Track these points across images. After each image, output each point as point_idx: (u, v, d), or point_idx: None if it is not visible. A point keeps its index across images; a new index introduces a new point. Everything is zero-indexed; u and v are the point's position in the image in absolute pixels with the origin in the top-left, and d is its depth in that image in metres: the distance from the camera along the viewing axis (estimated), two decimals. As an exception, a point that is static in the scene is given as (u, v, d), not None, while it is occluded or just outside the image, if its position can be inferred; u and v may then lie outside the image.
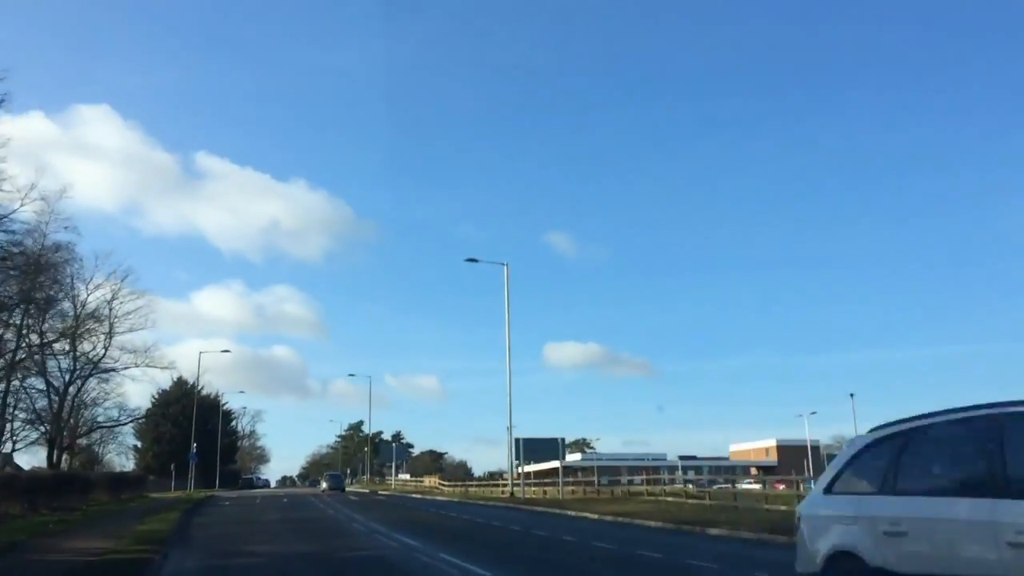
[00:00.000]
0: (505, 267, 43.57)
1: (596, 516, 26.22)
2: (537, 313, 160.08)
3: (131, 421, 55.20)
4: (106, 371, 45.65)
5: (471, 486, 69.98)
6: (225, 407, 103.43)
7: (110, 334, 44.11)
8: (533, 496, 45.86)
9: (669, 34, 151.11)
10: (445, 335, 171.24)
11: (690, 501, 31.31)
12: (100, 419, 56.73)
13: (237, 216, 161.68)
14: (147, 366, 46.14)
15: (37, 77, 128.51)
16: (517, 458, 41.56)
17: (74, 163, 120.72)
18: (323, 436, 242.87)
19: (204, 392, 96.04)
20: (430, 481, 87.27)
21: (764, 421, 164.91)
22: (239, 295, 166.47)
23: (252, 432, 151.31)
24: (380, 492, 66.62)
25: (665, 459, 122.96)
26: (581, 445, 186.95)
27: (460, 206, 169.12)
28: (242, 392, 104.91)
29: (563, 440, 41.96)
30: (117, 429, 67.79)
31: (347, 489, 74.05)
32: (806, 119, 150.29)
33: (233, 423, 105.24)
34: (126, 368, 45.65)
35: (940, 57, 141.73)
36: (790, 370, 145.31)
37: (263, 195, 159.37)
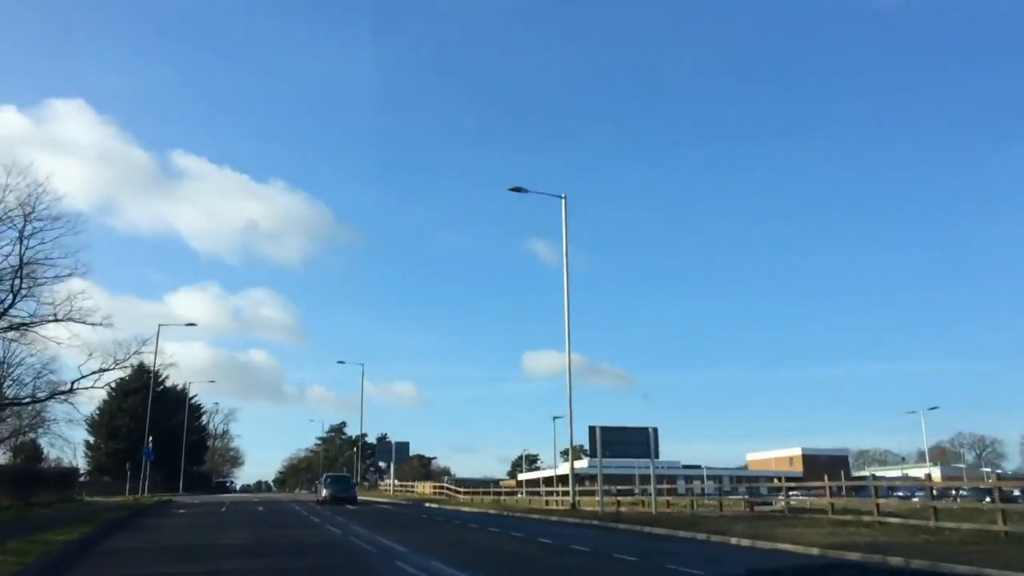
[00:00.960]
0: (563, 199, 36.39)
1: (817, 550, 14.65)
2: (517, 322, 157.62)
3: (50, 397, 42.67)
4: (15, 327, 33.21)
5: (499, 493, 58.29)
6: (193, 400, 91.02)
7: (19, 271, 31.53)
8: (595, 508, 34.01)
9: (653, 45, 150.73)
10: (423, 342, 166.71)
11: (893, 520, 20.43)
12: (23, 396, 44.07)
13: (214, 217, 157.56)
14: (70, 320, 33.86)
15: (8, 70, 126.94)
16: (593, 454, 29.97)
17: (47, 159, 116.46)
18: (300, 441, 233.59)
19: (169, 383, 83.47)
20: (424, 488, 75.58)
21: (749, 432, 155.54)
22: (215, 297, 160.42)
23: (225, 432, 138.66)
24: (382, 500, 54.65)
25: (679, 467, 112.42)
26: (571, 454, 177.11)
27: (440, 212, 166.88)
28: (212, 382, 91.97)
29: (655, 431, 30.33)
30: (59, 420, 55.12)
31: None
32: (789, 133, 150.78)
33: (202, 419, 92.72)
34: (41, 322, 33.31)
35: (913, 80, 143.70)
36: (761, 383, 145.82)
37: (241, 195, 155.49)
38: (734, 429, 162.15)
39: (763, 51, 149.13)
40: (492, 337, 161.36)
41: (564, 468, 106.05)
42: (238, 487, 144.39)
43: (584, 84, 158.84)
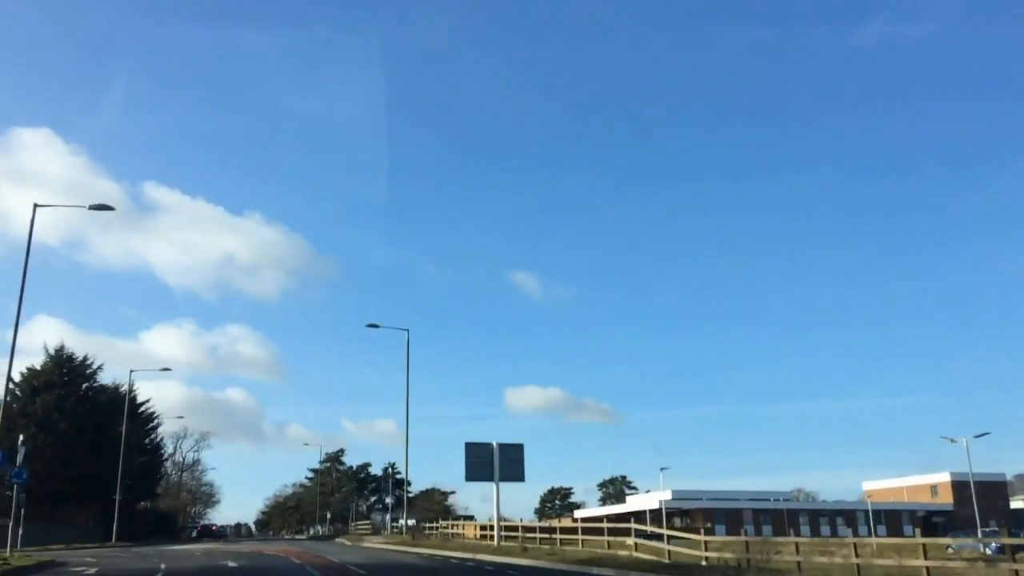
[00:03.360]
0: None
1: None
2: (500, 356, 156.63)
3: None
4: None
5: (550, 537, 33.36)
6: (146, 410, 64.81)
7: None
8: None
9: (634, 83, 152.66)
10: (403, 378, 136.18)
11: None
12: None
13: (188, 251, 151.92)
14: None
15: None
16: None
17: (12, 191, 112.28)
18: (280, 481, 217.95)
19: (99, 379, 57.75)
20: (472, 530, 49.75)
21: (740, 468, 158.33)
22: (191, 334, 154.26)
23: (195, 462, 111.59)
24: (471, 557, 28.98)
25: (775, 498, 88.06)
26: (614, 485, 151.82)
27: (422, 246, 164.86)
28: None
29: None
30: None
31: (341, 545, 36.79)
32: (773, 170, 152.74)
33: (156, 436, 66.13)
34: None
35: (890, 108, 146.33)
36: (754, 418, 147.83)
37: (216, 228, 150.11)
38: (732, 463, 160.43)
39: (743, 90, 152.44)
40: (474, 373, 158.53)
41: (638, 502, 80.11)
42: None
43: (564, 122, 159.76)
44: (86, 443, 51.73)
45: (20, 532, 31.38)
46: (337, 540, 49.88)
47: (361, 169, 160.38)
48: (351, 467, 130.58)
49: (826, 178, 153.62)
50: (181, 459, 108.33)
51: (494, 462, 30.50)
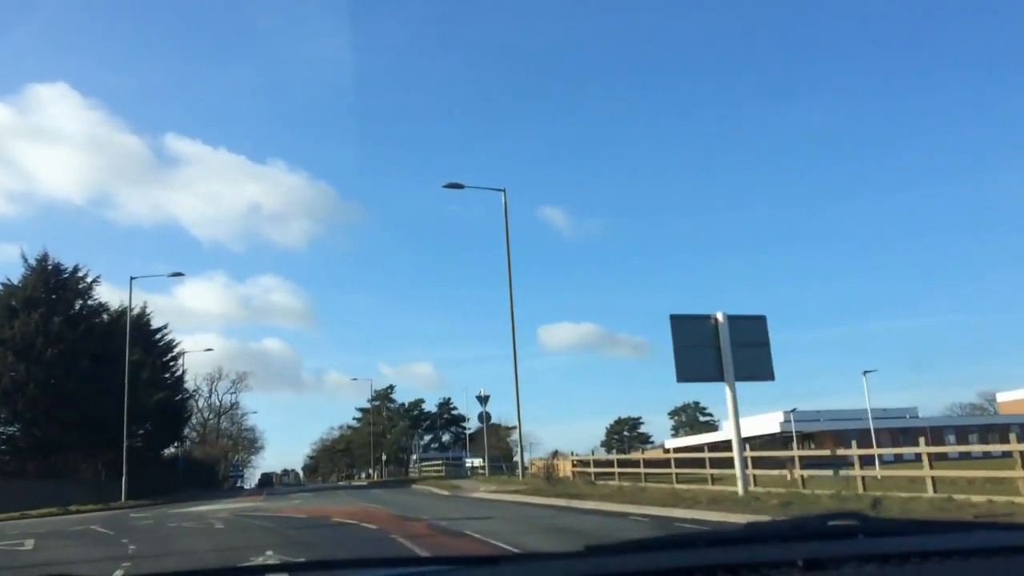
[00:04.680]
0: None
1: None
2: (531, 294, 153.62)
3: None
4: None
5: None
6: (163, 337, 52.69)
7: None
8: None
9: (652, 12, 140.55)
10: (437, 320, 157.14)
11: None
12: None
13: (214, 203, 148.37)
14: None
15: None
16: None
17: (36, 150, 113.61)
18: (320, 429, 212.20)
19: (96, 295, 45.29)
20: (565, 465, 37.42)
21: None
22: (223, 287, 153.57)
23: (234, 405, 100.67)
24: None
25: (903, 415, 74.98)
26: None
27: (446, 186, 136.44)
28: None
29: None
30: None
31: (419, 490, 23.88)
32: (797, 94, 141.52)
33: (175, 367, 53.87)
34: None
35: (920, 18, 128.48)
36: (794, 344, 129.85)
37: (240, 178, 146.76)
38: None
39: (769, 10, 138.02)
40: (507, 312, 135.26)
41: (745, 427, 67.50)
42: (253, 482, 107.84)
43: (597, 45, 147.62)
44: (80, 375, 39.65)
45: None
46: (415, 487, 37.60)
47: (382, 112, 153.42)
48: (403, 404, 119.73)
49: (857, 95, 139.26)
50: (218, 402, 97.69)
51: (722, 348, 17.25)
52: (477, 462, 73.87)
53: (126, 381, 38.57)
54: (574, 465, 35.35)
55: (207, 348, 63.73)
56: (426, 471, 67.94)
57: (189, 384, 64.03)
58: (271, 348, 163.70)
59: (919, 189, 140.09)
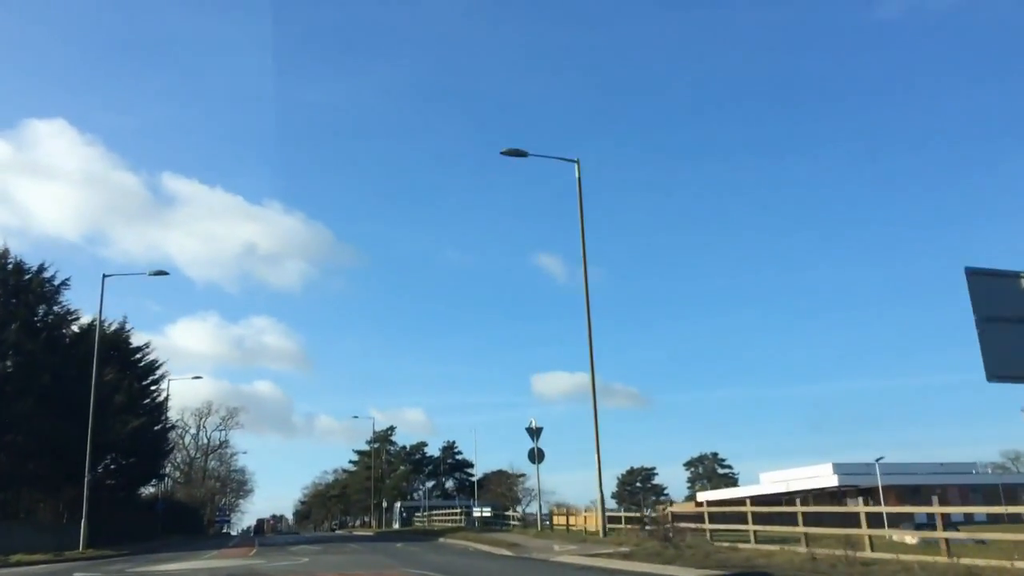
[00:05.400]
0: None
1: None
2: (525, 343, 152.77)
3: None
4: None
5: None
6: (143, 357, 45.70)
7: None
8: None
9: (652, 66, 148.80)
10: (430, 366, 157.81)
11: None
12: None
13: (209, 242, 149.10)
14: None
15: None
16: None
17: (32, 185, 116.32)
18: (312, 473, 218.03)
19: (63, 301, 38.12)
20: (589, 518, 30.82)
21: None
22: (216, 327, 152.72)
23: (223, 443, 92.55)
24: None
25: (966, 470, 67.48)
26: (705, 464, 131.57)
27: (442, 233, 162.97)
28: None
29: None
30: None
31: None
32: (795, 149, 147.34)
33: (156, 393, 46.69)
34: None
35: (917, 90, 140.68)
36: (777, 401, 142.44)
37: (236, 218, 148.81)
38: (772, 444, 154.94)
39: (764, 67, 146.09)
40: (499, 360, 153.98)
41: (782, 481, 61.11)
42: (240, 528, 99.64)
43: (581, 105, 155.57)
44: (38, 394, 32.47)
45: None
46: (444, 541, 30.20)
47: (378, 156, 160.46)
48: (403, 447, 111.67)
49: (852, 155, 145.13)
50: (205, 439, 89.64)
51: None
52: (486, 512, 66.38)
53: (92, 400, 31.34)
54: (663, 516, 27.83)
55: (195, 376, 56.23)
56: (437, 521, 60.25)
57: (173, 414, 56.56)
58: (262, 390, 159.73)
59: None
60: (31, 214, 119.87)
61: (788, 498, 57.67)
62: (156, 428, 44.13)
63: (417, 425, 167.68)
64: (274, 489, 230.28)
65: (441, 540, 31.22)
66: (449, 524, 51.56)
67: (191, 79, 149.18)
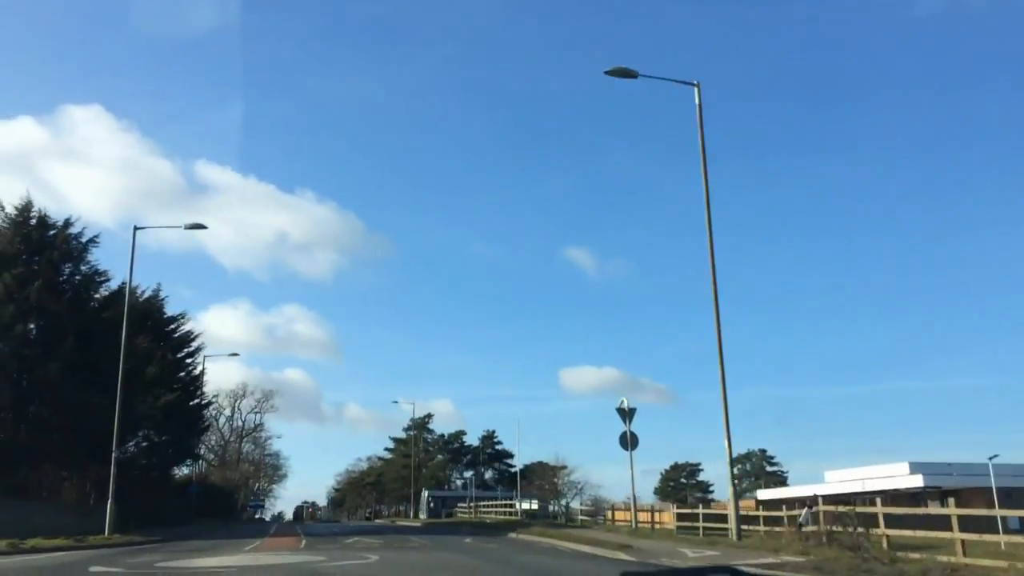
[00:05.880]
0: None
1: None
2: (554, 337, 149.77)
3: None
4: None
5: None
6: (177, 328, 42.24)
7: None
8: None
9: (687, 51, 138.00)
10: (457, 357, 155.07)
11: None
12: None
13: (241, 230, 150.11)
14: None
15: (22, 73, 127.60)
16: None
17: (68, 170, 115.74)
18: (341, 461, 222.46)
19: (90, 259, 35.15)
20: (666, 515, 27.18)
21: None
22: (247, 315, 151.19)
23: (258, 426, 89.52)
24: None
25: None
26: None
27: (472, 225, 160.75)
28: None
29: None
30: None
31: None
32: (837, 131, 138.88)
33: (192, 366, 43.16)
34: None
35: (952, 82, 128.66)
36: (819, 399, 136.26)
37: (268, 207, 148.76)
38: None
39: (798, 64, 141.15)
40: (527, 353, 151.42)
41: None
42: (273, 514, 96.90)
43: (606, 98, 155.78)
44: (62, 361, 28.97)
45: None
46: (519, 537, 26.17)
47: (409, 147, 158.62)
48: (442, 435, 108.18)
49: (885, 154, 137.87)
50: (240, 422, 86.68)
51: None
52: (533, 504, 62.39)
53: (120, 368, 27.74)
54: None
55: (232, 353, 52.78)
56: (486, 512, 56.43)
57: (208, 393, 53.20)
58: (292, 378, 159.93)
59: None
60: (66, 199, 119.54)
61: (865, 498, 53.02)
62: (191, 404, 40.63)
63: (446, 416, 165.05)
64: (303, 476, 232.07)
65: (513, 536, 27.19)
66: (502, 517, 47.56)
67: (225, 68, 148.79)
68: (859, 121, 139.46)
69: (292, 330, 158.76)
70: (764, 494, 74.74)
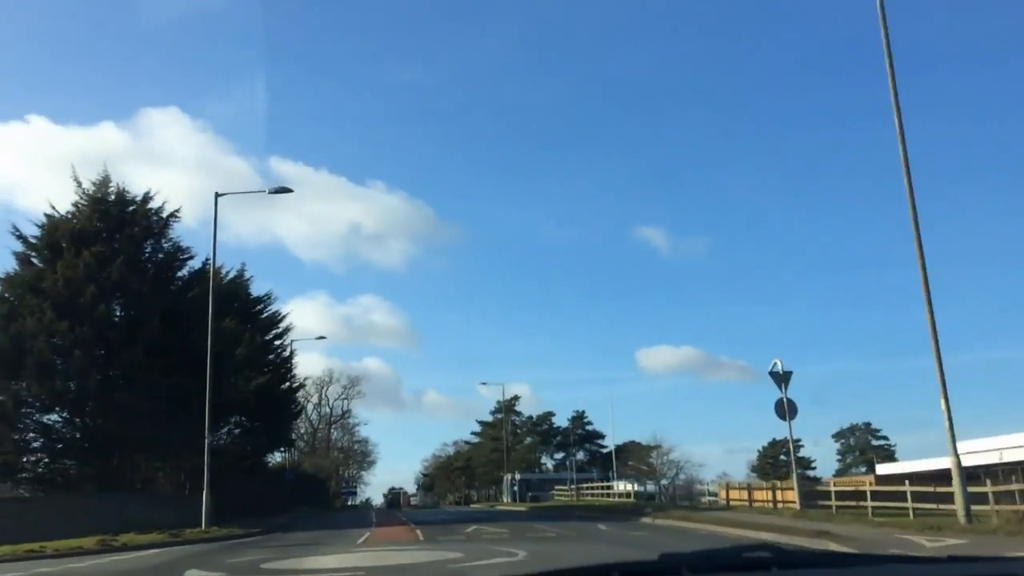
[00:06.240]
0: None
1: None
2: (628, 317, 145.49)
3: None
4: None
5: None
6: (264, 308, 40.24)
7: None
8: None
9: (737, 34, 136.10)
10: (534, 342, 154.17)
11: None
12: None
13: (316, 224, 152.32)
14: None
15: (102, 77, 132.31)
16: None
17: (148, 173, 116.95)
18: (425, 446, 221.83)
19: (172, 236, 32.38)
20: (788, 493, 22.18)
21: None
22: (325, 306, 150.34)
23: (346, 413, 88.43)
24: None
25: None
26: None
27: (542, 206, 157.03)
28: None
29: None
30: None
31: None
32: (909, 103, 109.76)
33: (281, 349, 41.07)
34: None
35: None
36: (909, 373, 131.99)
37: (340, 199, 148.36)
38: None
39: (869, 32, 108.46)
40: (604, 335, 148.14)
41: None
42: (377, 500, 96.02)
43: (676, 77, 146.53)
44: (148, 344, 26.94)
45: None
46: (648, 521, 22.91)
47: (480, 135, 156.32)
48: (530, 417, 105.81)
49: (960, 115, 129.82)
50: (328, 409, 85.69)
51: None
52: (630, 487, 58.82)
53: (208, 349, 25.50)
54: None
55: (319, 336, 50.98)
56: (591, 496, 53.40)
57: (292, 355, 51.35)
58: (371, 367, 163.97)
59: None
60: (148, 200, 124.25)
61: (1006, 469, 48.01)
62: (283, 388, 38.62)
63: (523, 401, 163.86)
64: (389, 463, 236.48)
65: (647, 521, 24.00)
66: (608, 500, 44.41)
67: (296, 64, 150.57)
68: (939, 82, 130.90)
69: (369, 320, 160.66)
70: (884, 468, 69.76)
